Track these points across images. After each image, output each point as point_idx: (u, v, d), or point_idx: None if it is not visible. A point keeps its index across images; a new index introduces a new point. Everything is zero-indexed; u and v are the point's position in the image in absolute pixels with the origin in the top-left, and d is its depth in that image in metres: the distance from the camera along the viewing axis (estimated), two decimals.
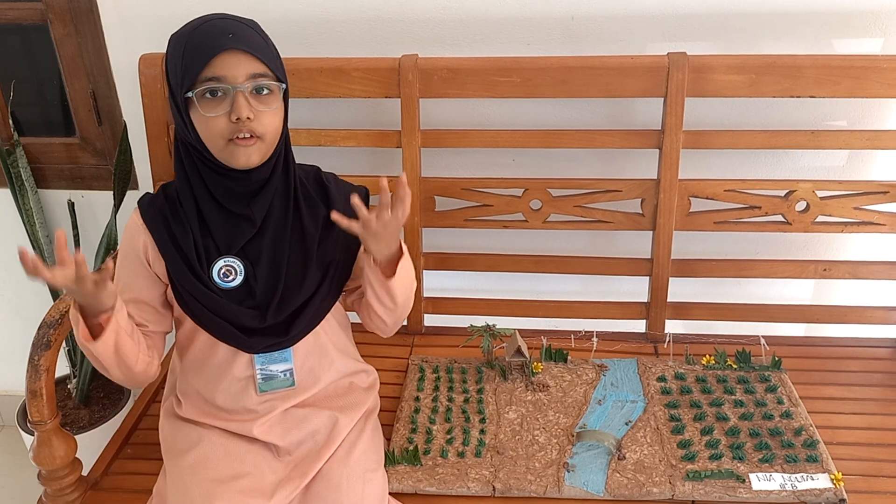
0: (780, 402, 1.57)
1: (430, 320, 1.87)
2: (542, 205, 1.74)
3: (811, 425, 1.50)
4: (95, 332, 1.18)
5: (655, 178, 1.70)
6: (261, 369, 1.30)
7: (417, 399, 1.60)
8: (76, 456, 1.42)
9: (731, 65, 1.60)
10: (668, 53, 1.61)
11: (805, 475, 1.39)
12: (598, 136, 1.69)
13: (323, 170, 1.39)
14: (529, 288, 1.91)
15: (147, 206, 1.29)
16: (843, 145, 1.66)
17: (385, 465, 1.42)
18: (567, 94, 1.65)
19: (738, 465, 1.42)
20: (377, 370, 1.54)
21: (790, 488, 1.37)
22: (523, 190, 1.74)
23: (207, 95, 1.16)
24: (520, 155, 1.85)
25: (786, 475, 1.39)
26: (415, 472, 1.42)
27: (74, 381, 2.11)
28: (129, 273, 1.31)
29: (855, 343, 1.78)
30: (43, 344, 1.35)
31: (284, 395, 1.34)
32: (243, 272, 1.27)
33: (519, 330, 1.72)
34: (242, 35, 1.16)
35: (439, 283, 1.86)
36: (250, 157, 1.20)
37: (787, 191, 1.69)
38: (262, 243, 1.27)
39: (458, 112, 1.81)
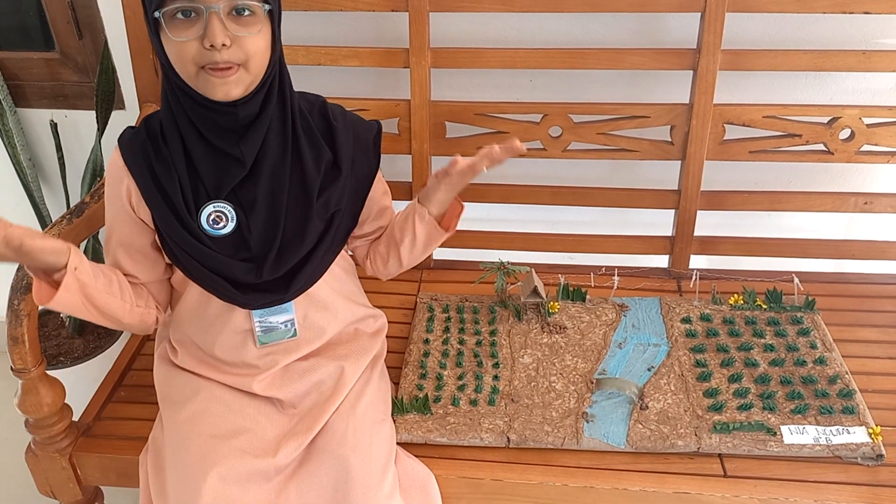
0: (813, 346, 1.47)
1: (440, 254, 1.76)
2: (563, 132, 1.60)
3: (847, 373, 1.41)
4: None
5: (688, 102, 1.55)
6: (259, 321, 1.20)
7: (427, 342, 1.51)
8: (65, 402, 1.34)
9: None
10: None
11: (840, 428, 1.31)
12: (627, 55, 1.53)
13: (328, 101, 1.24)
14: (545, 219, 1.79)
15: (128, 145, 1.15)
16: None
17: (393, 414, 1.34)
18: (593, 8, 1.49)
19: (769, 416, 1.33)
20: (383, 308, 1.44)
21: (824, 442, 1.28)
22: (542, 115, 1.59)
23: (178, 16, 1.00)
24: (539, 76, 1.69)
25: (820, 428, 1.31)
26: (425, 421, 1.33)
27: None
28: (115, 217, 1.19)
29: (892, 280, 1.67)
30: (22, 287, 1.25)
31: (286, 347, 1.24)
32: (235, 219, 1.13)
33: (534, 265, 1.62)
34: None
35: None
36: (229, 90, 1.04)
37: (830, 117, 1.55)
38: (256, 188, 1.13)
39: (472, 28, 1.65)
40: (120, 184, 1.15)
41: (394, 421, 1.32)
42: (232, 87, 1.04)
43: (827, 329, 1.51)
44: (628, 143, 1.61)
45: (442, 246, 1.72)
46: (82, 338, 2.03)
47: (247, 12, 1.02)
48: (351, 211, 1.23)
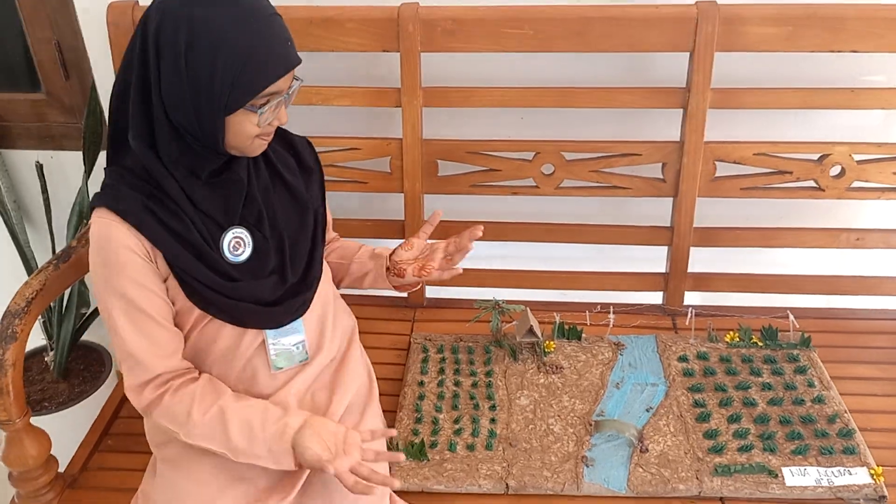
0: (810, 384, 1.46)
1: (432, 292, 1.75)
2: (555, 169, 1.60)
3: (845, 411, 1.40)
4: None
5: (678, 140, 1.56)
6: (273, 343, 1.17)
7: (421, 384, 1.49)
8: (51, 453, 1.30)
9: (766, 16, 1.45)
10: (696, 3, 1.47)
11: (842, 469, 1.29)
12: (618, 94, 1.54)
13: None
14: (537, 255, 1.77)
15: (126, 209, 1.06)
16: (885, 104, 1.52)
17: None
18: (584, 48, 1.50)
19: (770, 457, 1.32)
20: (374, 349, 1.42)
21: (826, 484, 1.27)
22: (534, 153, 1.59)
23: (263, 104, 1.05)
24: (531, 115, 1.69)
25: (821, 469, 1.30)
26: (421, 468, 1.31)
27: (52, 353, 1.98)
28: (133, 288, 1.07)
29: (885, 316, 1.67)
30: (8, 336, 1.22)
31: (297, 371, 1.20)
32: (251, 242, 1.14)
33: (527, 303, 1.60)
34: (292, 39, 1.05)
35: None
36: (265, 145, 1.12)
37: (820, 154, 1.56)
38: (255, 204, 1.14)
39: (464, 68, 1.64)
40: (129, 250, 1.06)
41: (389, 468, 1.30)
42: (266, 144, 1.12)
43: (823, 367, 1.51)
44: (621, 181, 1.60)
45: (435, 284, 1.72)
46: (67, 381, 1.98)
47: None
48: (323, 206, 1.28)
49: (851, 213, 1.75)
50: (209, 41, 0.98)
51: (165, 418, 1.12)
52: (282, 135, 1.24)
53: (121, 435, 1.46)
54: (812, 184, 1.58)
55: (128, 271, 1.07)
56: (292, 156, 1.24)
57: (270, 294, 1.14)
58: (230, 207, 1.11)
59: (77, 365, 2.03)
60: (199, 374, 1.16)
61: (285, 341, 1.18)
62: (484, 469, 1.31)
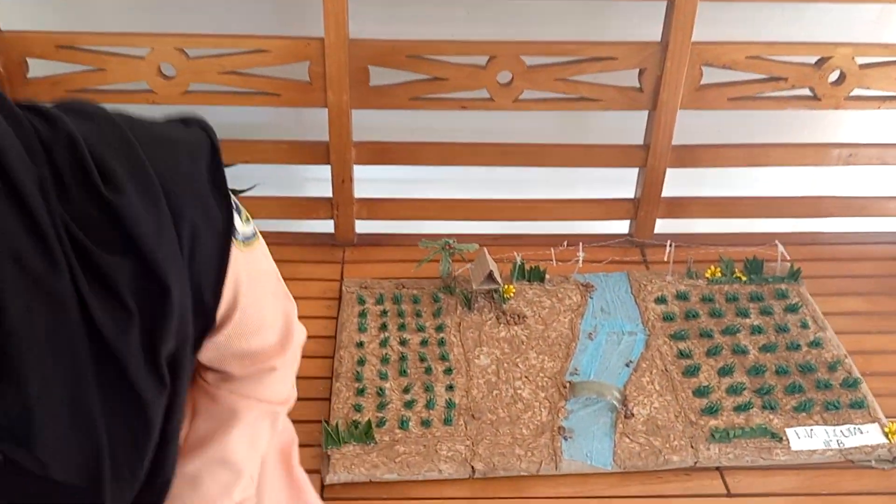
0: (804, 325, 1.29)
1: (364, 227, 1.47)
2: (513, 77, 1.32)
3: (846, 356, 1.24)
4: None
5: (660, 40, 1.30)
6: None
7: (360, 345, 1.23)
8: None
9: None
10: None
11: (852, 427, 1.14)
12: None
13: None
14: (489, 180, 1.51)
15: None
16: None
17: (327, 447, 1.06)
18: None
19: (771, 416, 1.15)
20: (298, 298, 1.10)
21: (836, 446, 1.12)
22: (488, 58, 1.31)
23: None
24: (477, 8, 1.39)
25: (829, 428, 1.14)
26: (367, 454, 1.07)
27: None
28: None
29: (872, 239, 1.52)
30: None
31: None
32: None
33: (478, 237, 1.36)
34: None
35: (375, 178, 1.44)
36: None
37: (819, 57, 1.34)
38: (19, 394, 0.51)
39: None
40: None
41: (328, 456, 1.05)
42: None
43: (815, 303, 1.33)
44: (590, 91, 1.34)
45: (367, 218, 1.45)
46: None
47: None
48: (199, 311, 0.61)
49: (843, 129, 1.55)
50: None
51: None
52: (112, 202, 0.52)
53: None
54: (807, 92, 1.36)
55: None
56: (126, 248, 0.54)
57: None
58: None
59: None
60: None
61: None
62: (444, 449, 1.08)
